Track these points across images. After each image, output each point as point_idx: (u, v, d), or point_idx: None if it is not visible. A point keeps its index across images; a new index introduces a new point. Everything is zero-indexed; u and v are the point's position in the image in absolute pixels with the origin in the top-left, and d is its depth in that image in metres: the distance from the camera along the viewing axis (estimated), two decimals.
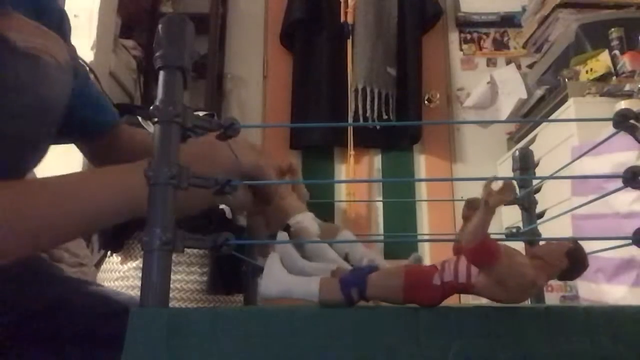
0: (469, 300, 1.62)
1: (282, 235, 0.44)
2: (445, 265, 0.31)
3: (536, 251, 0.31)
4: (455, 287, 0.30)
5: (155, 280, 0.30)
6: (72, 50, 0.64)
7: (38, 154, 0.58)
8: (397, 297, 0.31)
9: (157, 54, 0.33)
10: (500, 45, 2.69)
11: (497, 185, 0.29)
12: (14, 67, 0.49)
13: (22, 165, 0.56)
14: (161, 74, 0.33)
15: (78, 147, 0.73)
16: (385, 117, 2.40)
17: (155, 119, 0.32)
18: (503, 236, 0.70)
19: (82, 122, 0.67)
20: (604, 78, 1.79)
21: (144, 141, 0.73)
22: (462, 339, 0.28)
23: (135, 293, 1.49)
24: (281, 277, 0.34)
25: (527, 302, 0.54)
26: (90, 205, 0.47)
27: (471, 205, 0.31)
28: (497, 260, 0.29)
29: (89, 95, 0.69)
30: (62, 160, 0.79)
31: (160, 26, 0.34)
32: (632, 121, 0.33)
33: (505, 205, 0.60)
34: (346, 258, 0.47)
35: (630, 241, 0.35)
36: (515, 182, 0.59)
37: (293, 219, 0.51)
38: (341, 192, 2.46)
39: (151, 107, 0.32)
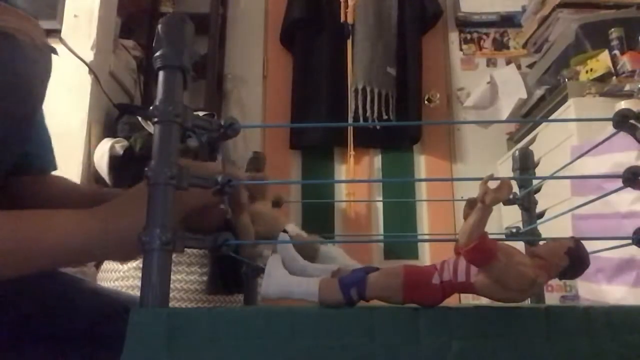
0: (469, 300, 1.62)
1: (284, 236, 0.44)
2: (445, 264, 0.31)
3: (536, 250, 0.30)
4: (454, 286, 0.30)
5: (155, 280, 0.30)
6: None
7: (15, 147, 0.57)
8: (397, 296, 0.30)
9: (157, 54, 0.33)
10: (500, 45, 2.69)
11: (494, 184, 0.29)
12: None
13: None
14: (161, 74, 0.33)
15: None
16: (385, 117, 2.40)
17: (155, 119, 0.32)
18: (503, 236, 0.70)
19: (33, 155, 0.65)
20: (604, 78, 1.79)
21: (69, 195, 0.70)
22: (462, 339, 0.28)
23: (135, 293, 1.48)
24: (282, 278, 0.33)
25: (527, 302, 0.54)
26: (59, 240, 0.47)
27: (472, 205, 0.31)
28: (494, 259, 0.28)
29: (46, 133, 0.68)
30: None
31: (159, 26, 0.34)
32: (632, 121, 0.33)
33: (504, 204, 0.60)
34: None
35: (630, 241, 0.35)
36: (514, 182, 0.59)
37: (288, 226, 0.52)
38: (341, 192, 2.46)
39: (151, 107, 0.32)
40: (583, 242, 0.31)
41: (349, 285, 0.31)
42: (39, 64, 0.55)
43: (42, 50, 0.56)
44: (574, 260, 0.30)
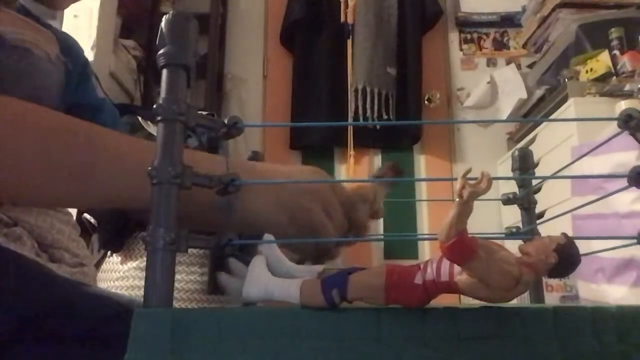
0: (469, 300, 1.62)
1: (268, 237, 0.43)
2: (429, 264, 0.29)
3: (525, 247, 0.29)
4: (437, 286, 0.29)
5: (159, 280, 0.30)
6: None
7: None
8: (379, 297, 0.29)
9: (161, 51, 0.33)
10: (500, 45, 2.69)
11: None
12: (6, 58, 0.50)
13: None
14: (164, 72, 0.33)
15: None
16: (385, 117, 2.40)
17: (159, 118, 0.32)
18: (503, 236, 0.70)
19: None
20: (604, 78, 1.80)
21: None
22: (470, 339, 0.28)
23: (135, 293, 1.48)
24: (263, 279, 0.32)
25: (527, 302, 0.54)
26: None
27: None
28: (473, 257, 0.27)
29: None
30: None
31: (163, 23, 0.33)
32: (633, 122, 0.33)
33: (504, 204, 0.59)
34: None
35: (635, 241, 0.35)
36: (514, 182, 0.59)
37: None
38: None
39: (154, 106, 0.32)
40: (586, 242, 0.31)
41: (330, 287, 0.30)
42: (52, 78, 0.57)
43: (56, 63, 0.57)
44: (563, 257, 0.28)
